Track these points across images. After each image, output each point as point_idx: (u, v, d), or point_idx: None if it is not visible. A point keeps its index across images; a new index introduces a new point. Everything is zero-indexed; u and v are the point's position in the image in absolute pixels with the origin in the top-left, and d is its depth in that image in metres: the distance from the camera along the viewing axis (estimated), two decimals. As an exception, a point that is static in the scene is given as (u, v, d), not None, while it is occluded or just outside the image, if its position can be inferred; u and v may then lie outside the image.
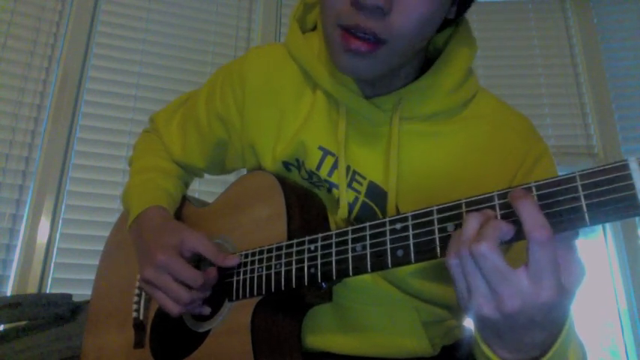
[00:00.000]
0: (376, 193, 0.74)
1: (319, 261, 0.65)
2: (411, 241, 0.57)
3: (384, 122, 0.74)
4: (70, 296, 1.42)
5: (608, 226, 2.02)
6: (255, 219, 0.76)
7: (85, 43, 2.00)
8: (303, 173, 0.79)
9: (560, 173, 0.51)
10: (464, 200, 0.54)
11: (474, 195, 0.53)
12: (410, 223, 0.57)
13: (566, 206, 0.47)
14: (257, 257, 0.72)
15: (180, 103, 0.97)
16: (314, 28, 0.85)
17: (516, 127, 0.77)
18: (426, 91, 0.73)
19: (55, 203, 1.82)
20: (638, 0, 2.28)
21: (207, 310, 0.75)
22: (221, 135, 0.87)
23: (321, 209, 0.77)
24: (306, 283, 0.66)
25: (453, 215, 0.54)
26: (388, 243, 0.59)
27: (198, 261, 0.79)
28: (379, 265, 0.59)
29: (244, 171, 0.90)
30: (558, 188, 0.48)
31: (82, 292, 1.59)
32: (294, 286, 0.67)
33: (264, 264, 0.71)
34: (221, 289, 0.75)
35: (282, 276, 0.68)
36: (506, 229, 0.49)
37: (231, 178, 1.05)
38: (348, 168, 0.75)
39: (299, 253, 0.67)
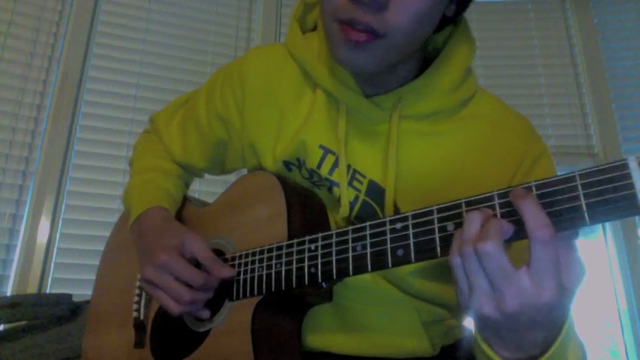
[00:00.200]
0: (376, 192, 0.74)
1: (319, 260, 0.65)
2: (411, 241, 0.57)
3: (383, 121, 0.75)
4: (70, 296, 1.42)
5: (608, 226, 2.02)
6: (256, 219, 0.76)
7: (85, 43, 2.00)
8: (304, 172, 0.79)
9: (560, 173, 0.51)
10: (464, 200, 0.54)
11: (473, 195, 0.54)
12: (410, 222, 0.57)
13: (565, 205, 0.48)
14: (257, 257, 0.72)
15: (180, 103, 0.97)
16: (314, 29, 0.85)
17: (515, 127, 0.77)
18: (425, 89, 0.73)
19: (55, 203, 1.82)
20: (638, 0, 2.28)
21: (206, 314, 0.75)
22: (221, 135, 0.87)
23: (321, 209, 0.77)
24: (306, 283, 0.66)
25: (452, 215, 0.54)
26: (388, 242, 0.59)
27: (198, 261, 0.79)
28: (379, 264, 0.59)
29: (245, 171, 0.90)
30: (558, 187, 0.48)
31: (82, 292, 1.59)
32: (294, 286, 0.67)
33: (265, 264, 0.71)
34: (221, 288, 0.76)
35: (283, 276, 0.69)
36: (507, 228, 0.49)
37: (231, 178, 1.05)
38: (348, 167, 0.75)
39: (299, 252, 0.68)
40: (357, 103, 0.74)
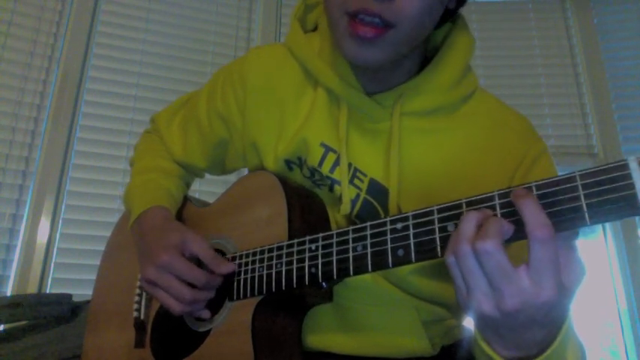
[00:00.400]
0: (377, 190, 0.75)
1: (320, 260, 0.65)
2: (412, 241, 0.57)
3: (384, 118, 0.75)
4: (70, 296, 1.42)
5: (608, 226, 2.02)
6: (256, 219, 0.76)
7: (85, 43, 2.00)
8: (305, 171, 0.79)
9: (560, 173, 0.51)
10: (464, 200, 0.54)
11: (473, 194, 0.54)
12: (410, 222, 0.58)
13: (566, 205, 0.48)
14: (258, 257, 0.73)
15: (181, 103, 0.97)
16: (314, 29, 0.85)
17: (515, 126, 0.78)
18: (426, 85, 0.74)
19: (55, 203, 1.82)
20: (638, 0, 2.28)
21: (207, 314, 0.75)
22: (222, 134, 0.88)
23: (321, 209, 0.78)
24: (306, 283, 0.66)
25: (453, 215, 0.54)
26: (389, 242, 0.59)
27: (198, 260, 0.79)
28: (380, 264, 0.59)
29: (245, 171, 0.91)
30: (558, 188, 0.48)
31: (82, 292, 1.59)
32: (294, 286, 0.67)
33: (265, 264, 0.71)
34: (222, 288, 0.76)
35: (283, 276, 0.69)
36: (507, 228, 0.49)
37: (232, 178, 1.05)
38: (349, 165, 0.76)
39: (300, 252, 0.68)
40: (358, 100, 0.75)
